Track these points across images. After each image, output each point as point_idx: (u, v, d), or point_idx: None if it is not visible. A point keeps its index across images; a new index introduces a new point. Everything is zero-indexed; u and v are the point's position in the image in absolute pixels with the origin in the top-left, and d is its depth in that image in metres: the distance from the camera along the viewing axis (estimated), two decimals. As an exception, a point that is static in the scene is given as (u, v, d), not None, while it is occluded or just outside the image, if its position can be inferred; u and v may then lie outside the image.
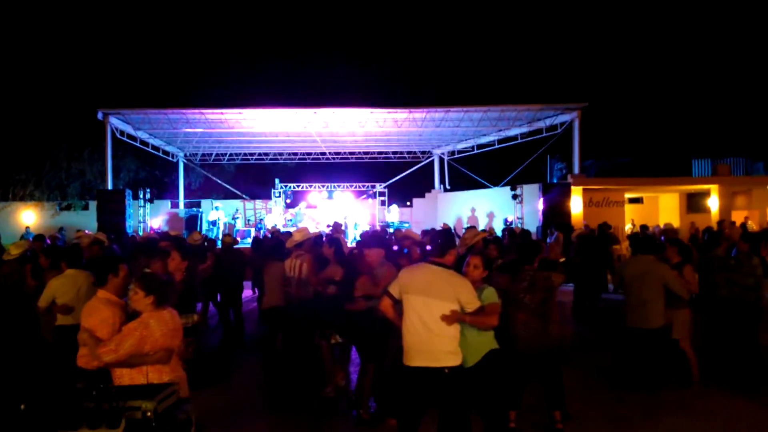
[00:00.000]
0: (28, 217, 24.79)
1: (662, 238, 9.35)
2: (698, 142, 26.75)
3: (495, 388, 4.60)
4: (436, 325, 4.19)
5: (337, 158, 27.40)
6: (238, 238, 17.74)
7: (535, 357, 5.35)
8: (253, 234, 20.34)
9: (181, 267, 5.69)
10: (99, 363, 3.89)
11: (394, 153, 26.86)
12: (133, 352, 3.78)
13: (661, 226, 17.71)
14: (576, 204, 18.94)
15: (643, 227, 16.57)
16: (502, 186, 22.60)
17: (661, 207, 23.71)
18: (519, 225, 19.32)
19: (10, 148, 26.84)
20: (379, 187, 25.54)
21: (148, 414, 3.01)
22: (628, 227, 19.53)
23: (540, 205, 18.41)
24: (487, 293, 4.53)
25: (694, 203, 22.49)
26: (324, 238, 7.75)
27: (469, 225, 18.92)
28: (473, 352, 4.44)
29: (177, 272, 5.63)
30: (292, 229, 18.78)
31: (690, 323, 6.67)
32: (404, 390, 4.34)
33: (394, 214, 23.96)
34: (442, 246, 4.53)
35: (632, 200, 23.29)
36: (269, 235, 12.39)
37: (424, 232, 11.06)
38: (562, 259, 10.96)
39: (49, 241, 10.48)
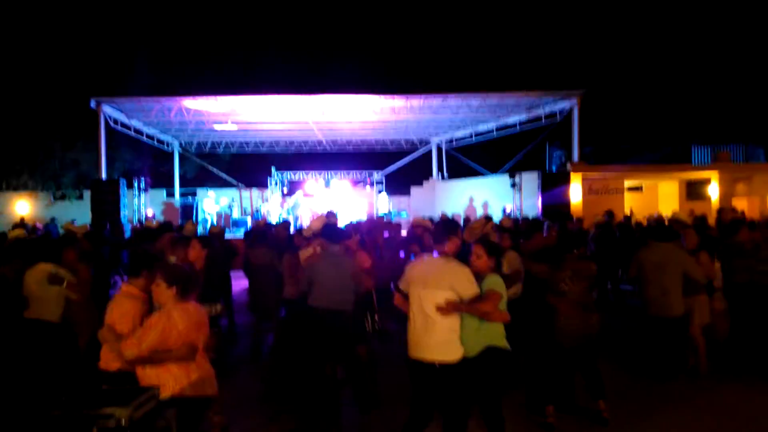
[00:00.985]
0: (23, 207, 24.64)
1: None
2: (698, 128, 26.47)
3: (489, 387, 4.37)
4: (433, 315, 4.12)
5: (334, 147, 27.15)
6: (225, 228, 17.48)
7: (577, 347, 5.30)
8: (249, 224, 20.15)
9: (201, 255, 5.62)
10: (121, 360, 3.70)
11: (392, 141, 26.61)
12: (157, 347, 3.56)
13: (665, 214, 17.51)
14: (575, 192, 18.74)
15: (657, 217, 16.49)
16: (501, 174, 22.39)
17: (660, 195, 23.53)
18: (518, 214, 19.14)
19: (5, 138, 26.63)
20: (377, 176, 25.32)
21: (123, 422, 2.77)
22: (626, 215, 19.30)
23: (539, 194, 18.18)
24: (489, 281, 4.31)
25: (693, 191, 22.30)
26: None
27: (483, 215, 18.64)
28: (472, 345, 4.25)
29: (198, 261, 5.51)
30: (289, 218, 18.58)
31: (708, 310, 6.59)
32: (411, 382, 4.33)
33: (385, 204, 23.66)
34: (440, 234, 4.45)
35: (631, 188, 23.09)
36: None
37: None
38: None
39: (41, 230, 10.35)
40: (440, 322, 4.14)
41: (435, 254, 4.52)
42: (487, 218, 10.80)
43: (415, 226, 8.11)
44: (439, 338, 4.14)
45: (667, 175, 21.84)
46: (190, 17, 37.88)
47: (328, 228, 5.93)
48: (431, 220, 10.29)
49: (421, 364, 4.20)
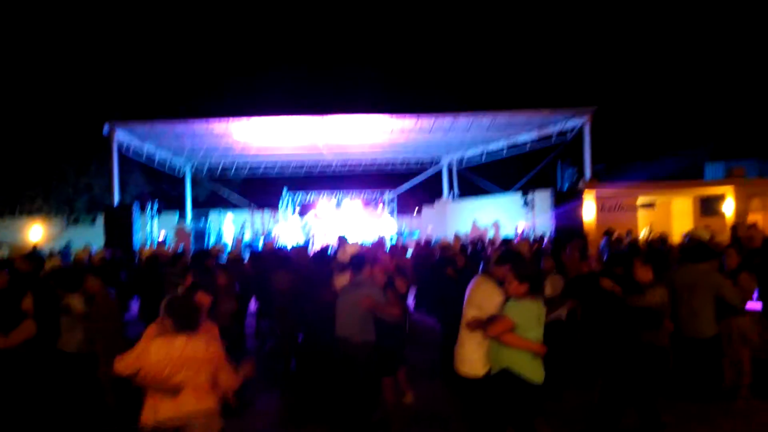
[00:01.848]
0: (36, 231, 24.77)
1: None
2: (710, 144, 26.31)
3: (505, 408, 4.40)
4: (464, 330, 4.52)
5: (345, 168, 27.21)
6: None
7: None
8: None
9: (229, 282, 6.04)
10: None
11: (402, 162, 26.63)
12: (133, 371, 3.64)
13: (683, 231, 17.35)
14: (589, 210, 18.62)
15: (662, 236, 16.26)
16: (513, 193, 22.31)
17: (674, 211, 23.33)
18: (531, 232, 19.03)
19: (18, 163, 26.89)
20: (388, 196, 25.30)
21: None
22: (643, 233, 19.14)
23: (552, 212, 18.05)
24: (507, 306, 4.39)
25: (708, 207, 22.08)
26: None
27: (521, 235, 18.48)
28: (493, 363, 4.43)
29: (227, 288, 5.61)
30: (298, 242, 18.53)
31: (750, 331, 6.43)
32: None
33: (392, 225, 23.56)
34: (499, 260, 4.72)
35: (644, 205, 22.92)
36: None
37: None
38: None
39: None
40: (470, 337, 4.45)
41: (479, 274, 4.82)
42: (534, 240, 10.72)
43: (445, 248, 8.25)
44: (467, 352, 4.48)
45: (681, 192, 21.67)
46: (200, 41, 38.39)
47: (355, 258, 5.92)
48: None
49: (458, 376, 4.55)
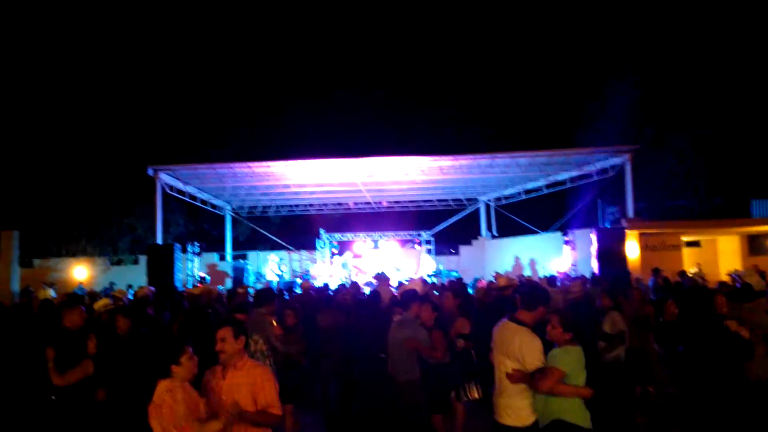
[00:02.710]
0: (81, 272, 25.32)
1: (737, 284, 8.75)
2: (756, 181, 25.67)
3: None
4: (505, 381, 4.31)
5: (382, 208, 27.31)
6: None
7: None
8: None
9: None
10: None
11: (440, 200, 26.63)
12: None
13: (727, 270, 16.87)
14: (632, 248, 18.26)
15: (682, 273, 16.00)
16: (553, 231, 22.04)
17: (720, 250, 22.74)
18: (574, 271, 18.70)
19: (63, 204, 27.69)
20: (425, 236, 25.22)
21: None
22: (692, 271, 18.65)
23: (595, 251, 17.72)
24: (553, 354, 4.32)
25: (757, 245, 21.49)
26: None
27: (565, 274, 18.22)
28: (541, 415, 4.29)
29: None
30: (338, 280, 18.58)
31: None
32: None
33: (430, 265, 23.40)
34: (526, 302, 4.49)
35: (690, 243, 22.41)
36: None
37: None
38: None
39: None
40: (512, 387, 4.29)
41: (504, 319, 4.59)
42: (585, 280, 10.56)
43: (504, 287, 8.20)
44: (510, 402, 4.29)
45: (727, 230, 21.13)
46: (241, 87, 39.42)
47: (403, 296, 5.96)
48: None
49: (500, 427, 4.35)
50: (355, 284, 10.37)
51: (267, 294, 7.22)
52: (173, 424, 3.63)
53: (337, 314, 6.91)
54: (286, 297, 10.72)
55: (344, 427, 6.65)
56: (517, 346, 4.24)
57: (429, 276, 20.68)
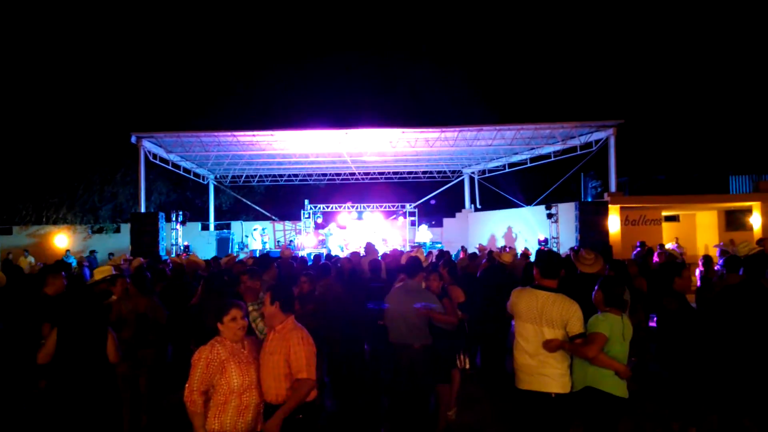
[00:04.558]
0: (61, 240, 25.10)
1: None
2: (735, 158, 26.09)
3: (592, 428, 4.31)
4: (542, 349, 4.24)
5: (367, 178, 27.31)
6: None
7: None
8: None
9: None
10: None
11: (424, 173, 26.69)
12: None
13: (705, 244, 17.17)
14: (613, 223, 18.54)
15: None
16: (536, 205, 22.25)
17: (698, 224, 23.14)
18: (554, 245, 18.98)
19: (44, 171, 27.24)
20: (409, 207, 25.35)
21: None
22: (669, 246, 19.00)
23: (576, 224, 17.96)
24: (594, 321, 4.31)
25: (733, 220, 21.88)
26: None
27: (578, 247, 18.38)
28: (576, 380, 4.31)
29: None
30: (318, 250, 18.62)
31: None
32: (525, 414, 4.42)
33: (424, 234, 23.73)
34: (552, 269, 4.48)
35: (668, 218, 22.76)
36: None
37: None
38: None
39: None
40: (549, 355, 4.23)
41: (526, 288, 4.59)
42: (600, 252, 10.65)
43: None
44: (551, 371, 4.22)
45: (706, 205, 21.50)
46: (227, 53, 38.81)
47: (409, 263, 5.97)
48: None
49: (533, 395, 4.27)
50: (355, 254, 10.36)
51: (267, 260, 7.25)
52: (202, 383, 3.77)
53: (335, 284, 6.92)
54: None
55: (347, 397, 6.67)
56: (557, 313, 4.21)
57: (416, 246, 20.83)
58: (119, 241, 24.17)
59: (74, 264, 19.02)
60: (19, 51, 32.28)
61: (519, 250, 15.16)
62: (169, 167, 22.19)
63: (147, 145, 19.45)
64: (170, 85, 32.92)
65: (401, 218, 25.24)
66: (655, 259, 13.28)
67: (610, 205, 18.34)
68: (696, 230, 23.02)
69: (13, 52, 32.21)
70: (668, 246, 18.68)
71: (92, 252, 22.26)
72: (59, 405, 4.71)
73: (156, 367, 6.35)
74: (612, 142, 18.69)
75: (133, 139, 18.97)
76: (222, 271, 9.06)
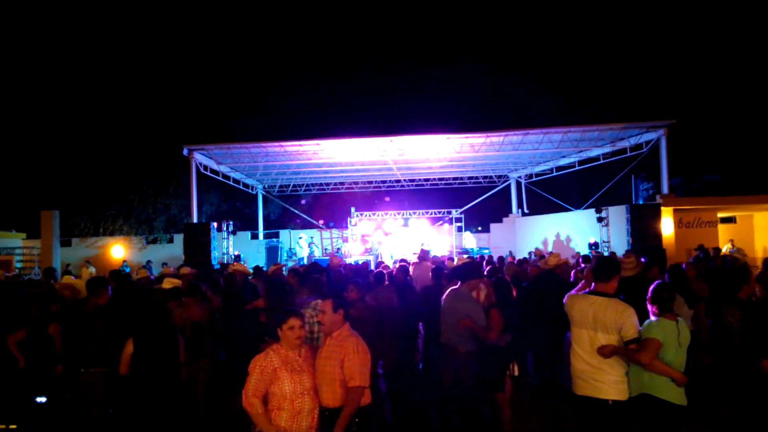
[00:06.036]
0: (118, 251, 25.93)
1: None
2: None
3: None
4: (598, 355, 4.19)
5: (412, 185, 27.36)
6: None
7: None
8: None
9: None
10: None
11: (470, 178, 26.57)
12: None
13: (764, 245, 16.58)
14: (667, 225, 18.07)
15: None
16: (585, 208, 21.86)
17: (756, 226, 22.35)
18: (605, 248, 18.62)
19: (100, 185, 28.28)
20: (455, 213, 25.28)
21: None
22: (725, 248, 18.42)
23: (627, 228, 17.57)
24: (648, 326, 4.27)
25: (794, 220, 21.08)
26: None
27: (593, 250, 18.18)
28: (632, 386, 4.25)
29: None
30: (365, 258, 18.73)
31: None
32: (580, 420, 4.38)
33: (469, 241, 23.59)
34: (606, 273, 4.42)
35: (724, 220, 22.06)
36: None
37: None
38: None
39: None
40: (607, 362, 4.19)
41: (581, 293, 4.56)
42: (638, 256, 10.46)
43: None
44: (608, 377, 4.18)
45: (766, 206, 20.74)
46: (275, 66, 39.53)
47: (463, 267, 5.96)
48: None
49: (589, 401, 4.23)
50: (403, 262, 10.39)
51: (317, 270, 7.37)
52: (258, 390, 3.91)
53: (389, 293, 6.94)
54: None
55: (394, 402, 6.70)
56: (611, 318, 4.16)
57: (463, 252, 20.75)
58: (173, 251, 24.83)
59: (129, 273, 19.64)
60: (77, 69, 33.60)
61: (568, 255, 14.93)
62: (220, 178, 22.73)
63: (198, 157, 19.97)
64: (219, 97, 33.73)
65: (446, 224, 25.17)
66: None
67: (662, 208, 17.89)
68: (754, 232, 22.24)
69: (71, 70, 33.56)
70: (725, 249, 18.13)
71: (148, 262, 22.91)
72: (143, 409, 4.97)
73: (213, 375, 6.52)
74: (663, 143, 18.23)
75: (185, 152, 19.50)
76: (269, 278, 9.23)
